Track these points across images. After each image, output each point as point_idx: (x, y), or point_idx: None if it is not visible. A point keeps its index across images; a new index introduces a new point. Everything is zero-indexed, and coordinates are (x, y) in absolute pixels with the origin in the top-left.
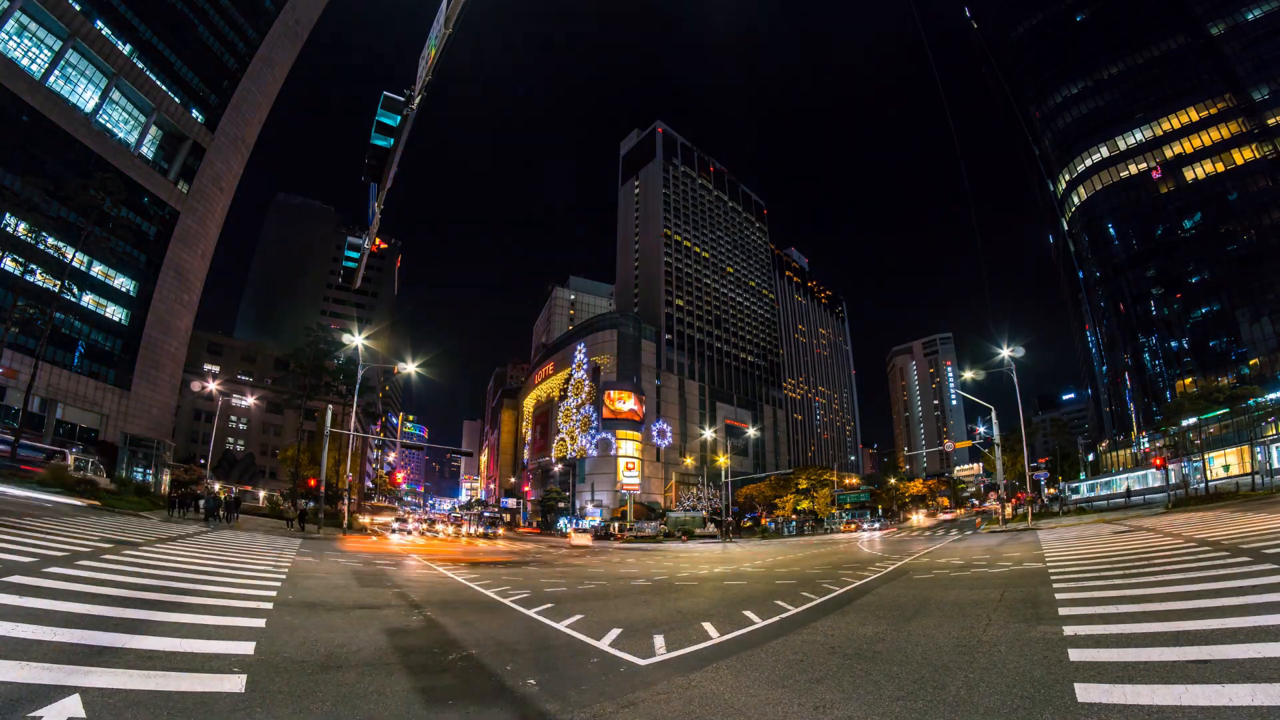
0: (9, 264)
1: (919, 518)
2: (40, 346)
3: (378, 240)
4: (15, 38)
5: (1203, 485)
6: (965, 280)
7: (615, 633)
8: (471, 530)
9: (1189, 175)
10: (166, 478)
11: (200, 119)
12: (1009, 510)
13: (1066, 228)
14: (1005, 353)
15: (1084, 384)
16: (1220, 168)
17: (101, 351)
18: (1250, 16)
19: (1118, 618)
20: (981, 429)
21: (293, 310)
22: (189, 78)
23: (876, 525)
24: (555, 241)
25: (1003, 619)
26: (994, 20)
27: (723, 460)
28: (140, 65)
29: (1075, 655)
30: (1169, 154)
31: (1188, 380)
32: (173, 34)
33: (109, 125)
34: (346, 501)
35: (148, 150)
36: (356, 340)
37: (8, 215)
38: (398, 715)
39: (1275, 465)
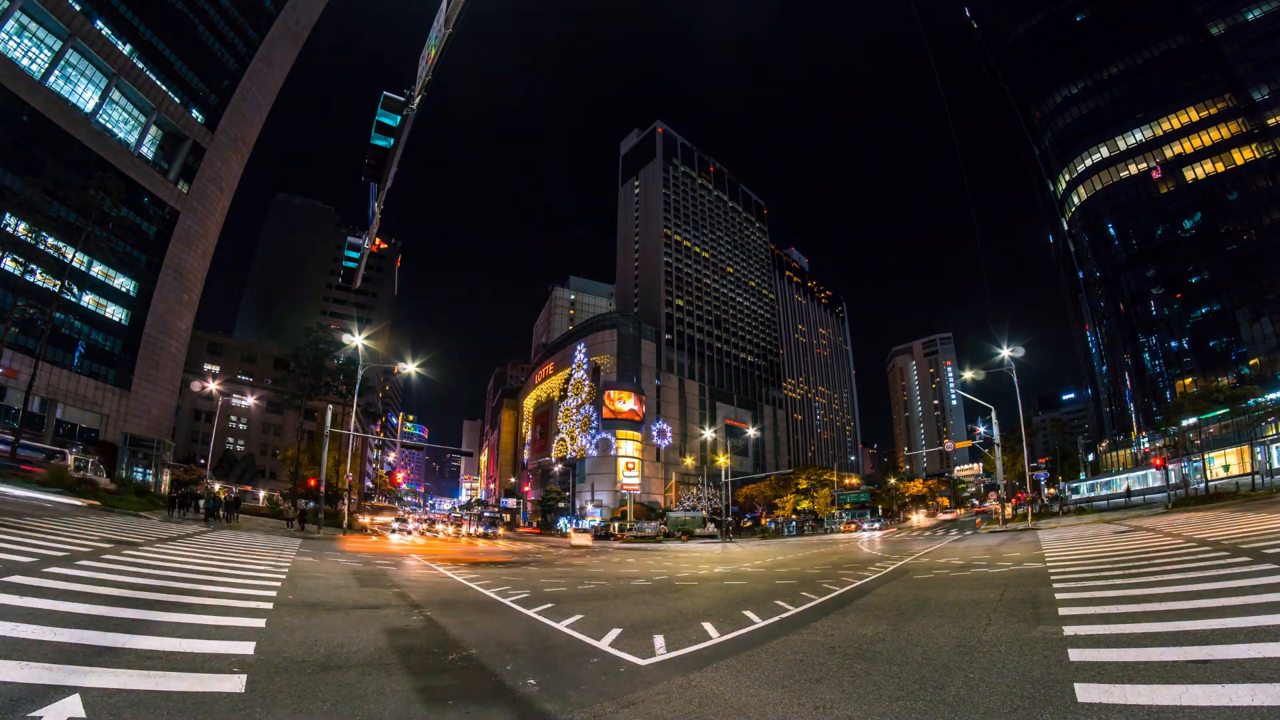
0: (9, 264)
1: (919, 518)
2: (40, 346)
3: (378, 240)
4: (15, 38)
5: (1203, 485)
6: (965, 280)
7: (615, 633)
8: (471, 530)
9: (1189, 175)
10: (166, 478)
11: (200, 119)
12: (1009, 510)
13: (1066, 228)
14: (1005, 353)
15: (1084, 384)
16: (1220, 168)
17: (101, 351)
18: (1250, 16)
19: (1118, 618)
20: (981, 429)
21: (293, 310)
22: (189, 78)
23: (877, 525)
24: (555, 241)
25: (1003, 619)
26: (994, 20)
27: (723, 460)
28: (140, 65)
29: (1075, 655)
30: (1169, 154)
31: (1188, 380)
32: (173, 34)
33: (109, 125)
34: (347, 501)
35: (148, 150)
36: (356, 340)
37: (8, 215)
38: (398, 715)
39: (1275, 465)
